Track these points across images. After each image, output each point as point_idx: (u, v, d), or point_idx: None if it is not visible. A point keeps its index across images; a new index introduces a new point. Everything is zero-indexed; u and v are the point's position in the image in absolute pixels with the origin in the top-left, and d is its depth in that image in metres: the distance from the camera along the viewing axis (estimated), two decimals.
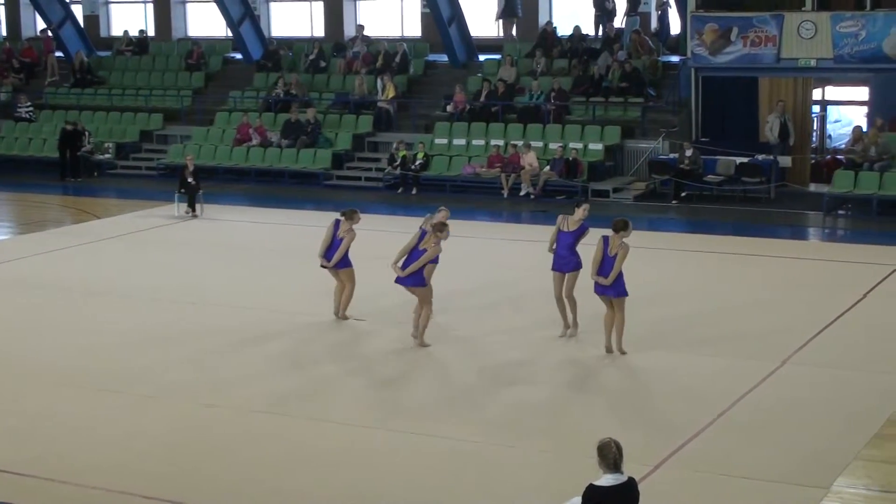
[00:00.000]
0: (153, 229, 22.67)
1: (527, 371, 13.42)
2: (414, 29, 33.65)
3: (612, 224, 13.59)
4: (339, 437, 11.49)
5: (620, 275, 13.46)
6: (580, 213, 14.39)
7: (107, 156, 30.88)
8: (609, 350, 13.82)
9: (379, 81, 29.92)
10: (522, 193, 25.69)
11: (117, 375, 13.45)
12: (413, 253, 14.04)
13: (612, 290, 13.51)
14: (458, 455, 10.99)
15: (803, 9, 25.20)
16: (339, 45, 32.64)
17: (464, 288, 17.34)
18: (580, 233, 14.38)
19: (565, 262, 14.34)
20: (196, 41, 34.20)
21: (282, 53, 32.70)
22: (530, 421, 11.90)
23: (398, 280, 14.11)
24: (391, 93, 29.51)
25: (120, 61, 35.04)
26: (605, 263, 13.47)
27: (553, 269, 14.46)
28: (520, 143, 26.59)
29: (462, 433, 11.44)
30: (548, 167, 25.82)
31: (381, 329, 15.05)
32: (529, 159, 25.81)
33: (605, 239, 13.53)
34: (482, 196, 26.14)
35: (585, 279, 13.99)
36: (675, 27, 29.34)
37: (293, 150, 28.84)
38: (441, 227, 13.99)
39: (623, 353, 13.78)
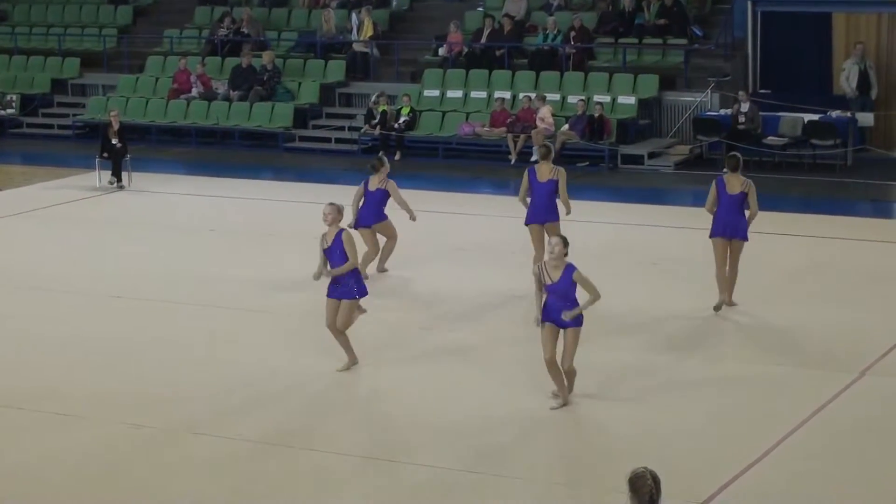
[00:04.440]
0: (68, 204, 22.58)
1: (536, 383, 13.37)
2: None
3: (728, 163, 15.65)
4: (303, 464, 11.44)
5: (742, 217, 15.56)
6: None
7: (10, 111, 30.76)
8: (719, 308, 15.69)
9: (353, 17, 29.82)
10: (534, 159, 25.62)
11: (19, 388, 13.36)
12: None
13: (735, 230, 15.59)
14: (448, 487, 10.96)
15: None
16: None
17: (462, 282, 17.31)
18: (568, 281, 12.42)
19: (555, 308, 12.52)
20: None
21: None
22: (539, 445, 11.85)
23: None
24: (369, 31, 29.42)
25: None
26: (727, 206, 15.51)
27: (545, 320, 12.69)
28: (533, 94, 26.53)
29: (449, 461, 11.43)
30: (566, 126, 25.76)
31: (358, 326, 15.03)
32: (542, 114, 25.74)
33: (720, 180, 15.56)
34: (484, 163, 26.09)
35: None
36: None
37: (245, 104, 28.76)
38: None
39: (732, 304, 15.77)
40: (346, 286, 13.53)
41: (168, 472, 11.36)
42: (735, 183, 15.54)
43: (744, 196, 15.53)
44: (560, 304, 12.34)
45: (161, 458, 11.63)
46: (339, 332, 13.66)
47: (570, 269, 12.34)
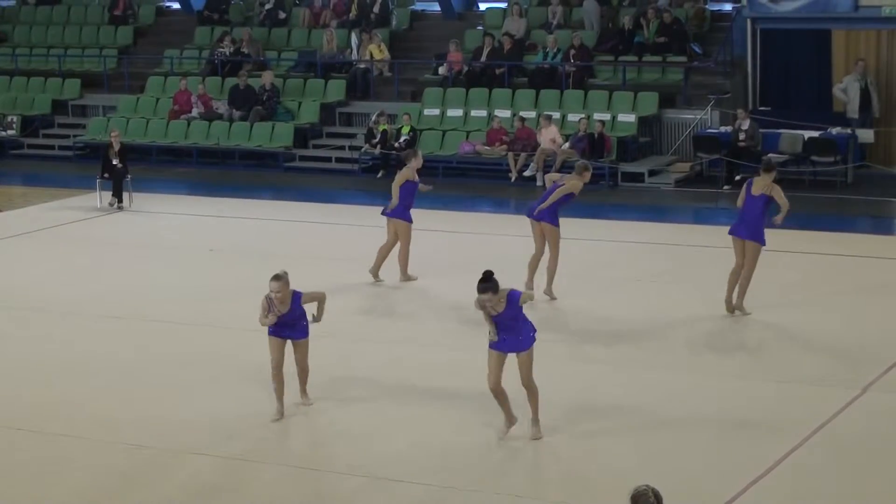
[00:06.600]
0: (69, 224, 22.58)
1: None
2: None
3: (763, 165, 16.00)
4: (304, 484, 11.43)
5: (760, 221, 15.70)
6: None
7: (10, 132, 30.80)
8: (730, 309, 15.92)
9: (353, 37, 29.86)
10: (527, 174, 25.64)
11: (19, 409, 13.35)
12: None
13: (748, 233, 15.69)
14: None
15: None
16: None
17: (463, 300, 17.31)
18: (516, 306, 12.02)
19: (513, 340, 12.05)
20: None
21: (230, 1, 32.64)
22: (538, 464, 11.83)
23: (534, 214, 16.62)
24: (379, 53, 29.40)
25: (26, 13, 34.96)
26: (748, 206, 15.72)
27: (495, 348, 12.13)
28: (531, 114, 26.54)
29: (449, 479, 11.41)
30: (566, 144, 25.77)
31: (357, 344, 15.01)
32: (550, 134, 25.72)
33: (750, 182, 15.81)
34: (484, 181, 26.09)
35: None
36: None
37: (246, 124, 28.78)
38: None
39: (746, 313, 15.92)
40: (299, 325, 12.94)
41: (168, 493, 11.31)
42: (760, 184, 15.75)
43: (766, 199, 15.75)
44: (508, 334, 11.86)
45: (161, 479, 11.59)
46: (280, 374, 12.94)
47: (514, 294, 11.83)
